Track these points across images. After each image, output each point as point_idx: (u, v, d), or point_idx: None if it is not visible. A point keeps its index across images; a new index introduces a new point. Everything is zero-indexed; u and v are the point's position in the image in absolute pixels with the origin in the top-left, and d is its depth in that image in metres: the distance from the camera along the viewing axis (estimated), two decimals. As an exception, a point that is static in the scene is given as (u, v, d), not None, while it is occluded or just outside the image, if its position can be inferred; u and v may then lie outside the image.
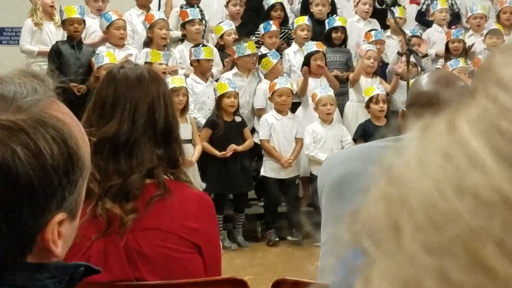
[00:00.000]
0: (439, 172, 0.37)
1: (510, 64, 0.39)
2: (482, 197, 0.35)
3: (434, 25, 7.75)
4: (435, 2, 7.89)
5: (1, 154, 0.84)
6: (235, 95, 5.95)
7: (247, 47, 6.38)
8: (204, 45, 6.41)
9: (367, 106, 6.24)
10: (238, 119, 6.07)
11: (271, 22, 7.01)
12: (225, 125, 5.95)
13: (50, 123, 0.89)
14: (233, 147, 5.94)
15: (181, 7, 7.21)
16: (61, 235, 0.91)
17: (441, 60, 7.30)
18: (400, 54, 6.46)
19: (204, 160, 6.00)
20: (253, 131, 6.48)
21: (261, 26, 7.06)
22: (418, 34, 7.38)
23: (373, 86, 6.33)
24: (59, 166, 0.88)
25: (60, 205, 0.90)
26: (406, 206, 0.37)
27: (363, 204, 0.40)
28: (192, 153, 5.76)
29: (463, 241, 0.35)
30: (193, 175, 5.62)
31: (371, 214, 0.39)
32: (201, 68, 6.31)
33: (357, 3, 7.59)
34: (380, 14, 7.46)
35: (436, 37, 7.62)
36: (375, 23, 7.54)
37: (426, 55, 6.88)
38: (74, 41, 6.46)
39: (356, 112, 6.62)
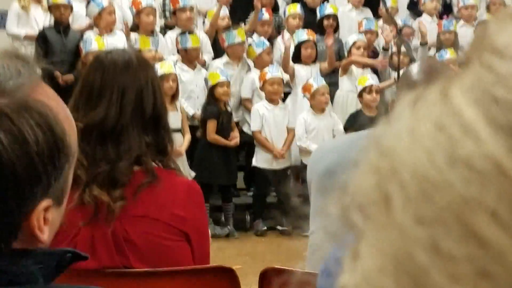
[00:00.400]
0: (431, 142, 0.35)
1: (505, 30, 0.37)
2: (475, 166, 0.34)
3: (424, 15, 7.75)
4: None
5: None
6: (227, 85, 5.93)
7: (237, 34, 6.35)
8: (190, 33, 6.36)
9: (360, 95, 6.24)
10: (228, 108, 6.06)
11: (264, 10, 6.98)
12: (223, 115, 5.94)
13: (35, 108, 0.87)
14: (235, 134, 5.93)
15: None
16: (47, 221, 0.90)
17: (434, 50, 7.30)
18: (385, 49, 6.44)
19: (203, 152, 5.99)
20: (237, 122, 6.46)
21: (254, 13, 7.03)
22: (410, 24, 7.37)
23: (367, 76, 6.33)
24: (44, 152, 0.86)
25: (45, 192, 0.88)
26: (396, 177, 0.36)
27: (351, 177, 0.38)
28: (181, 142, 5.74)
29: (455, 210, 0.34)
30: (182, 163, 5.60)
31: (361, 187, 0.37)
32: (188, 57, 6.28)
33: None
34: (372, 3, 7.45)
35: (426, 27, 7.62)
36: (368, 12, 7.52)
37: (425, 43, 6.88)
38: (61, 26, 6.39)
39: (346, 101, 6.62)
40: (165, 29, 7.07)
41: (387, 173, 0.36)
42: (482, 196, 0.34)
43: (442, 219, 0.34)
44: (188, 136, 5.89)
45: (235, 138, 5.97)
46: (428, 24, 7.58)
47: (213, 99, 5.96)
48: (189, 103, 6.24)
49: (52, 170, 0.88)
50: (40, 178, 0.87)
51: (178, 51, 6.39)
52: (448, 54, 6.84)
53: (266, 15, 6.93)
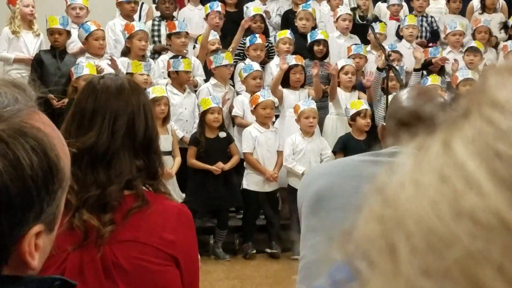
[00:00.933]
0: (435, 193, 0.36)
1: (505, 86, 0.38)
2: (480, 220, 0.34)
3: (403, 41, 7.84)
4: (404, 18, 8.00)
5: None
6: (218, 111, 5.97)
7: (225, 57, 6.41)
8: (183, 57, 6.41)
9: (353, 119, 6.26)
10: (222, 134, 6.08)
11: (257, 35, 7.06)
12: (208, 142, 5.94)
13: (30, 134, 0.88)
14: (220, 165, 5.93)
15: (154, 19, 7.25)
16: (38, 247, 0.90)
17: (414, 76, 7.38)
18: (379, 69, 6.51)
19: (183, 177, 5.99)
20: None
21: (247, 38, 7.09)
22: (397, 49, 7.46)
23: (361, 100, 6.39)
24: (38, 177, 0.87)
25: (38, 217, 0.88)
26: (402, 227, 0.36)
27: (355, 223, 0.39)
28: (171, 164, 5.74)
29: (462, 265, 0.34)
30: (173, 186, 5.60)
31: (366, 235, 0.38)
32: (179, 80, 6.32)
33: (337, 19, 7.65)
34: (361, 30, 7.53)
35: (404, 52, 7.70)
36: (356, 39, 7.61)
37: (418, 69, 6.97)
38: (57, 51, 6.42)
39: (336, 125, 6.66)
40: (154, 53, 7.13)
41: (392, 223, 0.37)
42: (487, 250, 0.34)
43: (449, 272, 0.34)
44: (178, 159, 5.90)
45: (222, 164, 5.95)
46: (406, 50, 7.66)
47: (202, 125, 5.98)
48: (178, 126, 6.25)
49: (45, 195, 0.88)
50: (33, 202, 0.87)
51: (169, 74, 6.42)
52: (429, 80, 6.92)
53: (258, 39, 6.99)
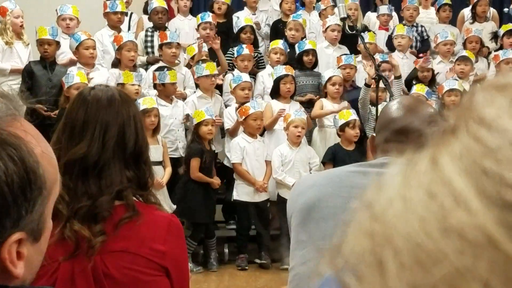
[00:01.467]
0: (423, 210, 0.36)
1: (493, 103, 0.39)
2: (467, 237, 0.35)
3: (396, 51, 7.88)
4: (393, 28, 8.04)
5: None
6: (212, 123, 5.97)
7: (205, 68, 6.41)
8: (169, 69, 6.42)
9: (342, 129, 6.28)
10: (213, 147, 6.10)
11: (244, 45, 7.06)
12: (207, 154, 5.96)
13: (8, 141, 0.88)
14: (218, 181, 5.98)
15: (147, 30, 7.26)
16: (21, 256, 0.89)
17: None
18: (367, 85, 6.53)
19: (184, 189, 5.99)
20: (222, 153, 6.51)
21: (235, 49, 7.11)
22: (388, 59, 7.48)
23: (350, 111, 6.40)
24: (14, 183, 0.87)
25: (16, 224, 0.88)
26: (390, 243, 0.37)
27: (344, 237, 0.40)
28: (162, 175, 5.74)
29: (449, 281, 0.35)
30: (163, 196, 5.60)
31: (355, 250, 0.39)
32: (166, 92, 6.33)
33: (326, 29, 7.68)
34: (350, 40, 7.57)
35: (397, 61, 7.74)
36: (345, 49, 7.64)
37: (399, 77, 6.99)
38: (47, 61, 6.42)
39: (324, 137, 6.67)
40: (147, 65, 7.14)
41: (381, 239, 0.37)
42: (475, 267, 0.34)
43: None
44: (169, 169, 5.90)
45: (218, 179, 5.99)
46: (399, 60, 7.70)
47: (197, 137, 5.98)
48: (170, 135, 6.25)
49: (23, 201, 0.88)
50: (9, 208, 0.87)
51: (155, 86, 6.42)
52: (414, 89, 6.95)
53: (245, 50, 7.01)
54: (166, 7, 7.60)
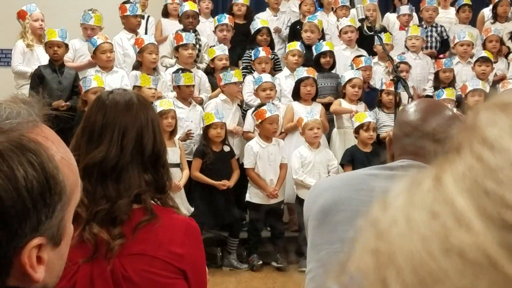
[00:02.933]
0: (426, 229, 0.37)
1: (496, 123, 0.39)
2: (468, 257, 0.35)
3: (409, 52, 7.83)
4: (407, 28, 7.99)
5: None
6: (221, 126, 5.98)
7: (234, 75, 6.43)
8: (183, 71, 6.44)
9: (356, 132, 6.27)
10: (226, 148, 6.10)
11: (260, 48, 7.07)
12: (214, 155, 5.96)
13: (28, 146, 0.89)
14: (226, 183, 5.95)
15: (177, 31, 7.27)
16: (41, 260, 0.91)
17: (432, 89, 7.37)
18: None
19: (191, 191, 6.00)
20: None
21: (252, 52, 7.12)
22: (406, 60, 7.45)
23: (365, 113, 6.38)
24: (33, 189, 0.88)
25: (36, 229, 0.89)
26: (393, 262, 0.37)
27: (350, 254, 0.40)
28: (179, 177, 5.77)
29: None
30: (181, 199, 5.62)
31: (359, 267, 0.39)
32: (182, 94, 6.36)
33: (340, 32, 7.67)
34: (367, 40, 7.54)
35: (411, 64, 7.71)
36: (363, 52, 7.61)
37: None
38: (56, 64, 6.46)
39: (343, 138, 6.66)
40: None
41: (384, 257, 0.38)
42: (475, 286, 0.35)
43: None
44: (186, 172, 5.92)
45: (228, 182, 5.98)
46: (412, 61, 7.66)
47: (206, 139, 6.00)
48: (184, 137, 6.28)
49: (43, 206, 0.89)
50: (28, 213, 0.88)
51: (173, 89, 6.45)
52: (445, 94, 6.91)
53: (262, 52, 7.02)
54: (198, 11, 7.62)
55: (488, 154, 0.38)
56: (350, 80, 6.74)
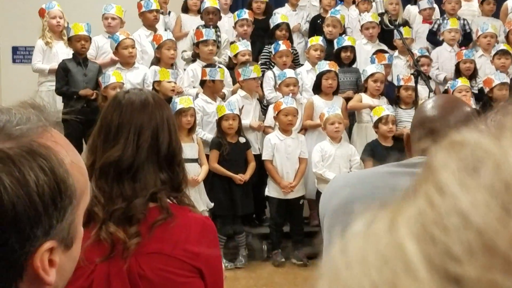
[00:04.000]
0: (376, 275, 0.37)
1: (448, 165, 0.38)
2: None
3: (444, 44, 7.77)
4: (445, 21, 7.90)
5: None
6: (233, 117, 5.98)
7: (253, 71, 6.43)
8: (219, 67, 6.46)
9: (376, 126, 6.24)
10: (242, 140, 6.10)
11: (280, 42, 7.07)
12: (230, 146, 5.97)
13: (38, 152, 0.90)
14: (243, 177, 5.98)
15: (198, 27, 7.28)
16: (53, 263, 0.92)
17: (450, 83, 7.30)
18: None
19: (210, 181, 6.03)
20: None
21: (271, 46, 7.11)
22: (427, 53, 7.38)
23: (383, 107, 6.35)
24: (45, 194, 0.89)
25: (47, 232, 0.90)
26: None
27: None
28: (198, 172, 5.79)
29: None
30: (200, 194, 5.64)
31: None
32: (214, 88, 6.38)
33: (361, 27, 7.64)
34: (387, 34, 7.50)
35: (445, 57, 7.63)
36: (384, 47, 7.57)
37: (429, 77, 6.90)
38: (81, 57, 6.54)
39: (364, 133, 6.63)
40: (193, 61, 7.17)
41: None
42: None
43: None
44: (205, 167, 5.94)
45: (244, 176, 5.99)
46: (447, 54, 7.60)
47: (220, 131, 6.02)
48: (211, 133, 6.29)
49: (54, 211, 0.90)
50: (40, 218, 0.89)
51: (203, 82, 6.42)
52: (459, 82, 6.85)
53: (282, 46, 7.01)
54: (219, 7, 7.63)
55: (438, 199, 0.37)
56: (372, 74, 6.70)
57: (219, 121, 6.02)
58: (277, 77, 6.65)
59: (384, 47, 7.48)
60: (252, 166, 6.12)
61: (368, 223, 0.40)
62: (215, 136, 6.10)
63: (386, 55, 7.14)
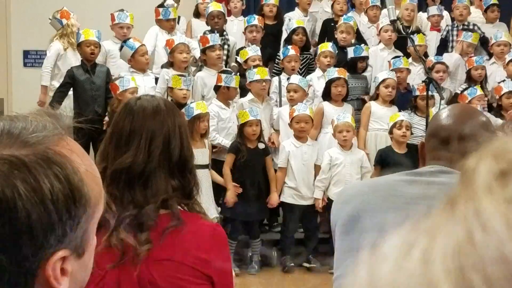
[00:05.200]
0: None
1: (492, 191, 0.36)
2: None
3: (493, 57, 7.69)
4: (500, 35, 7.74)
5: (1, 188, 0.86)
6: (256, 123, 5.99)
7: (256, 73, 6.41)
8: (235, 74, 6.47)
9: (390, 131, 6.23)
10: (261, 146, 6.09)
11: (289, 46, 7.06)
12: (248, 152, 5.96)
13: (54, 159, 0.90)
14: (273, 203, 6.03)
15: (205, 33, 7.28)
16: (65, 272, 0.92)
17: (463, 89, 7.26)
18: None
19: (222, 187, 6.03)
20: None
21: (280, 51, 7.10)
22: (443, 60, 7.33)
23: (398, 113, 6.34)
24: (59, 202, 0.89)
25: (61, 240, 0.90)
26: None
27: None
28: (208, 178, 5.79)
29: None
30: (209, 200, 5.61)
31: None
32: (228, 95, 6.37)
33: (380, 31, 7.59)
34: (401, 42, 7.46)
35: (493, 70, 7.55)
36: (399, 53, 7.52)
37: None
38: (89, 64, 6.55)
39: (374, 140, 6.61)
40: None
41: None
42: None
43: None
44: (213, 172, 5.95)
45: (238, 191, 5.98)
46: (496, 68, 7.55)
47: (241, 136, 6.01)
48: (228, 139, 6.28)
49: (68, 219, 0.90)
50: (54, 226, 0.89)
51: (217, 88, 6.41)
52: (478, 91, 6.81)
53: (291, 51, 7.00)
54: (223, 10, 7.63)
55: (480, 236, 0.35)
56: (383, 80, 6.69)
57: (241, 127, 6.02)
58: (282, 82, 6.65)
59: (400, 54, 7.44)
60: (272, 176, 6.09)
61: (400, 245, 0.38)
62: (234, 140, 6.10)
63: (392, 60, 7.14)
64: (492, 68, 7.59)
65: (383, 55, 7.50)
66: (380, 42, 7.65)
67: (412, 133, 6.30)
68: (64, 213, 0.90)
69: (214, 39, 6.83)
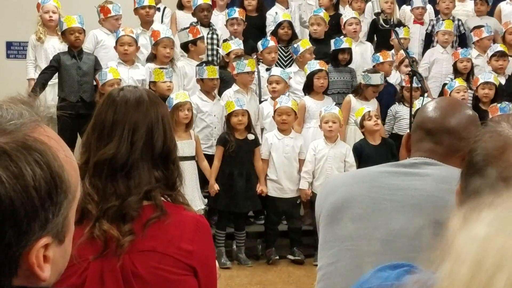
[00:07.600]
0: None
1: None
2: None
3: (438, 46, 7.79)
4: (440, 22, 7.90)
5: None
6: (242, 113, 5.98)
7: (247, 64, 6.41)
8: (207, 64, 6.43)
9: (362, 126, 6.24)
10: (250, 137, 6.08)
11: (268, 38, 7.07)
12: (237, 143, 5.95)
13: (33, 146, 0.90)
14: (263, 191, 6.02)
15: (192, 24, 7.25)
16: (47, 259, 0.92)
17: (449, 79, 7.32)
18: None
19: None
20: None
21: (259, 43, 7.10)
22: (413, 55, 7.40)
23: (362, 107, 6.35)
24: (41, 188, 0.89)
25: (43, 227, 0.90)
26: None
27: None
28: (194, 169, 5.77)
29: None
30: (193, 191, 5.60)
31: None
32: (205, 87, 6.34)
33: (344, 25, 7.59)
34: (384, 34, 7.49)
35: (438, 58, 7.64)
36: (368, 45, 7.59)
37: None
38: (75, 50, 6.49)
39: (354, 134, 6.65)
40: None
41: None
42: None
43: None
44: (205, 164, 5.94)
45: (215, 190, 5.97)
46: (440, 55, 7.61)
47: (229, 127, 6.01)
48: (207, 132, 6.28)
49: (50, 205, 0.90)
50: (37, 212, 0.89)
51: (197, 81, 6.43)
52: (456, 83, 6.88)
53: (271, 42, 7.00)
54: (210, 3, 7.60)
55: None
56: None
57: (228, 117, 6.01)
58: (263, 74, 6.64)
59: (368, 46, 7.50)
60: (260, 169, 6.08)
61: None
62: (223, 132, 6.10)
63: (390, 52, 7.15)
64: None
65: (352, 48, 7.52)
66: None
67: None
68: (47, 199, 0.90)
69: (202, 31, 6.85)
